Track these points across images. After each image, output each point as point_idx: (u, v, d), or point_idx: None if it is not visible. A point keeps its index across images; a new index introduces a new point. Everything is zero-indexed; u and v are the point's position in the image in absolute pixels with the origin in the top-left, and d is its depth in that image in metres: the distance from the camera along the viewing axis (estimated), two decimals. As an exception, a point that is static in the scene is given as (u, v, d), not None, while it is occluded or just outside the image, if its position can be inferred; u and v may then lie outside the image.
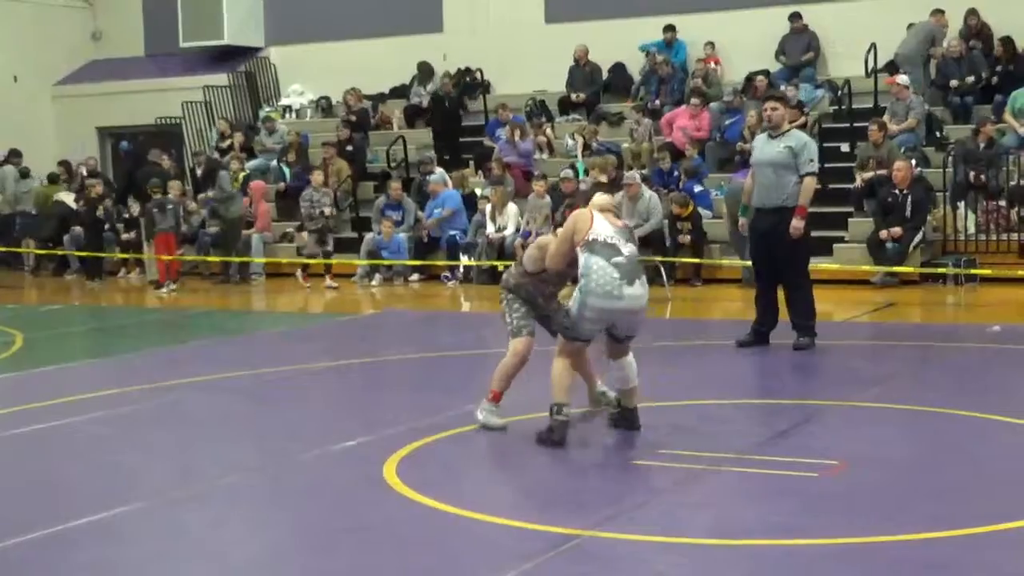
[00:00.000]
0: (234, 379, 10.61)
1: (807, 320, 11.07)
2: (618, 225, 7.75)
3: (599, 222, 7.62)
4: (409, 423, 8.34)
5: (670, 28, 20.93)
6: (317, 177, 19.00)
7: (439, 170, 19.84)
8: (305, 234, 19.76)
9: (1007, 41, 18.66)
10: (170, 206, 19.03)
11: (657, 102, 20.37)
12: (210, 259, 19.71)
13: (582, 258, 7.55)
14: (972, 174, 16.56)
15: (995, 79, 18.41)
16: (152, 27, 25.83)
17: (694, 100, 19.10)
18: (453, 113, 21.86)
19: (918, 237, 16.00)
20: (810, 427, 8.09)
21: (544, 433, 7.60)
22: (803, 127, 17.90)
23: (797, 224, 10.83)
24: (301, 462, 7.48)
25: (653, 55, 20.72)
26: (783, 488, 6.59)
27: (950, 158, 16.83)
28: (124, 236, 20.73)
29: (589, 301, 7.46)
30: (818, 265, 15.01)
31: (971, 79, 18.45)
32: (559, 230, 7.96)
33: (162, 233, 18.92)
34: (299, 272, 18.54)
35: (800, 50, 20.08)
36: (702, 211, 17.34)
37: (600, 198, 7.89)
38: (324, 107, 24.06)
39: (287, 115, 24.09)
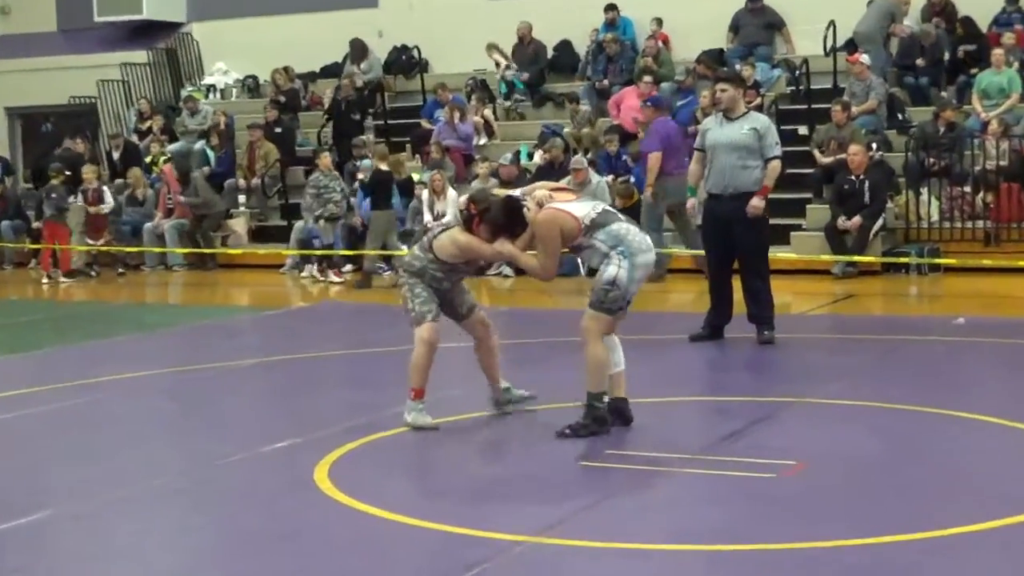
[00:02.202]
0: (157, 376, 10.54)
1: (769, 312, 11.10)
2: (574, 196, 7.97)
3: (575, 208, 7.75)
4: (343, 423, 8.33)
5: (611, 7, 20.94)
6: (325, 160, 18.41)
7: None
8: (233, 221, 19.68)
9: (967, 21, 18.85)
10: (54, 195, 18.88)
11: (605, 81, 20.38)
12: (136, 249, 19.58)
13: (601, 234, 7.66)
14: (931, 159, 16.69)
15: (963, 54, 18.58)
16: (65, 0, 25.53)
17: (646, 79, 19.01)
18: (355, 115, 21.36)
19: (878, 224, 16.08)
20: (768, 425, 8.14)
21: (592, 426, 7.65)
22: (759, 109, 18.03)
23: (757, 203, 10.80)
24: (228, 465, 7.44)
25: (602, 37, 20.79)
26: (739, 490, 6.63)
27: (912, 142, 16.95)
28: (35, 224, 20.54)
29: (638, 261, 7.68)
30: (775, 254, 15.07)
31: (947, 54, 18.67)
32: (537, 240, 7.76)
33: (49, 221, 18.82)
34: (314, 267, 17.88)
35: (758, 28, 20.16)
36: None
37: (539, 193, 7.83)
38: (251, 87, 23.88)
39: (211, 95, 23.87)
